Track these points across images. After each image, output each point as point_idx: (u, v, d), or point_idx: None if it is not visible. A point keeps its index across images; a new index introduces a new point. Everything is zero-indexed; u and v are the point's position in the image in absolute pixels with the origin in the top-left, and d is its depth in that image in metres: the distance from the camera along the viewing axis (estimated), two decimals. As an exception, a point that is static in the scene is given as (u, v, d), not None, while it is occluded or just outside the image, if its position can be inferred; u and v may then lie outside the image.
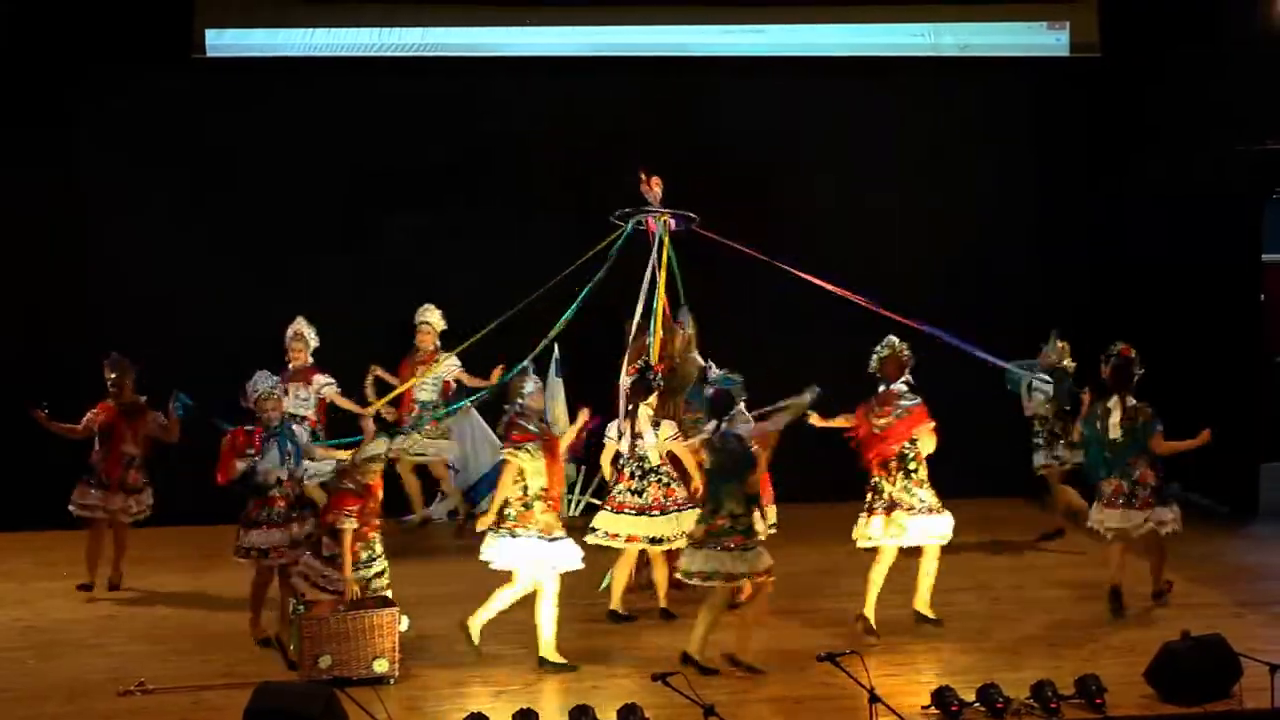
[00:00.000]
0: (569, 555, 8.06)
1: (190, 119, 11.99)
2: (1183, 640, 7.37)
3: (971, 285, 12.32)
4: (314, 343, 10.76)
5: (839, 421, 8.69)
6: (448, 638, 8.45)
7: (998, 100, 12.81)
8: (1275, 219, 12.47)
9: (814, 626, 8.71)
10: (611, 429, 8.93)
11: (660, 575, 9.06)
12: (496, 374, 10.55)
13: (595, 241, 9.80)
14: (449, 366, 11.08)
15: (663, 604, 9.05)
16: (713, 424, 7.98)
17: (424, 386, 11.14)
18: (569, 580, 9.56)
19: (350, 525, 7.95)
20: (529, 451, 7.95)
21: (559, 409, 11.69)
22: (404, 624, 7.92)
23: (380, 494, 8.28)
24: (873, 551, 8.54)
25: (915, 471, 8.48)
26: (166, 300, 11.68)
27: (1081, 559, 10.36)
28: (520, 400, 8.13)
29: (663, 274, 9.60)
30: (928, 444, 8.51)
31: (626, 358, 10.22)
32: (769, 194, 12.16)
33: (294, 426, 8.60)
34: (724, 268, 10.20)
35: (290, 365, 10.68)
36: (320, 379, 10.75)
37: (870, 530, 8.49)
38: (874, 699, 6.51)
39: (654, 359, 9.23)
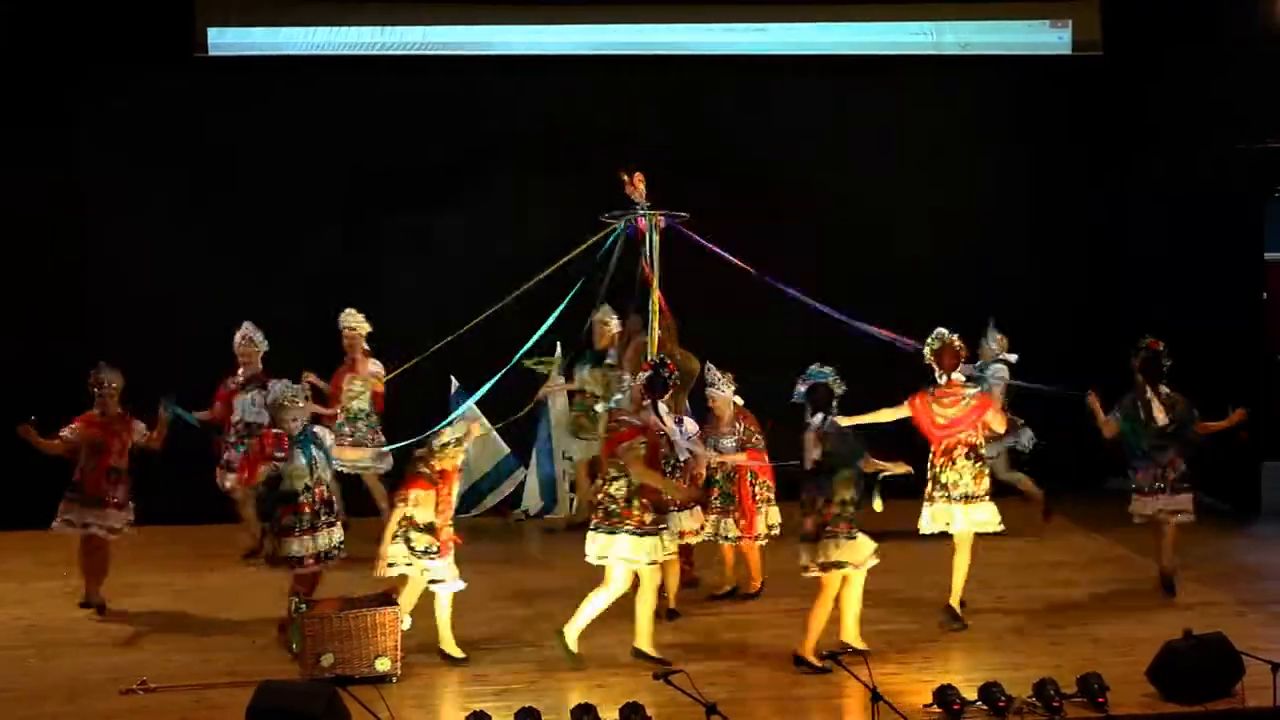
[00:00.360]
0: (658, 548, 8.01)
1: (191, 118, 12.00)
2: (1185, 639, 7.36)
3: (971, 284, 12.32)
4: (263, 347, 10.46)
5: (881, 415, 8.79)
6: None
7: (999, 99, 12.81)
8: (1277, 217, 12.46)
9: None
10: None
11: (671, 576, 9.04)
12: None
13: (598, 242, 9.81)
14: (373, 371, 10.78)
15: (671, 604, 9.03)
16: (819, 416, 7.97)
17: (354, 394, 10.79)
18: (570, 578, 9.57)
19: (400, 509, 7.92)
20: (642, 445, 7.89)
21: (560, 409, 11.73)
22: (406, 622, 7.92)
23: (455, 485, 8.25)
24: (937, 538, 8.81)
25: (982, 460, 8.80)
26: (166, 300, 11.68)
27: (1083, 558, 10.38)
28: (619, 397, 8.07)
29: (656, 272, 9.60)
30: (1000, 422, 9.01)
31: (624, 356, 10.24)
32: (769, 192, 12.17)
33: (315, 429, 8.42)
34: (716, 266, 10.17)
35: (241, 372, 10.39)
36: (275, 384, 10.44)
37: (942, 519, 8.71)
38: (876, 697, 6.52)
39: (651, 355, 9.23)
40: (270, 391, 8.47)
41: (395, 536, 8.00)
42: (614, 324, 11.00)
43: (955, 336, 8.83)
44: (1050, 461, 11.31)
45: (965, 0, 12.70)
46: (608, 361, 10.97)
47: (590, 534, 8.01)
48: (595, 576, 9.09)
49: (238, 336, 10.43)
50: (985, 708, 7.13)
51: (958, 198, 12.48)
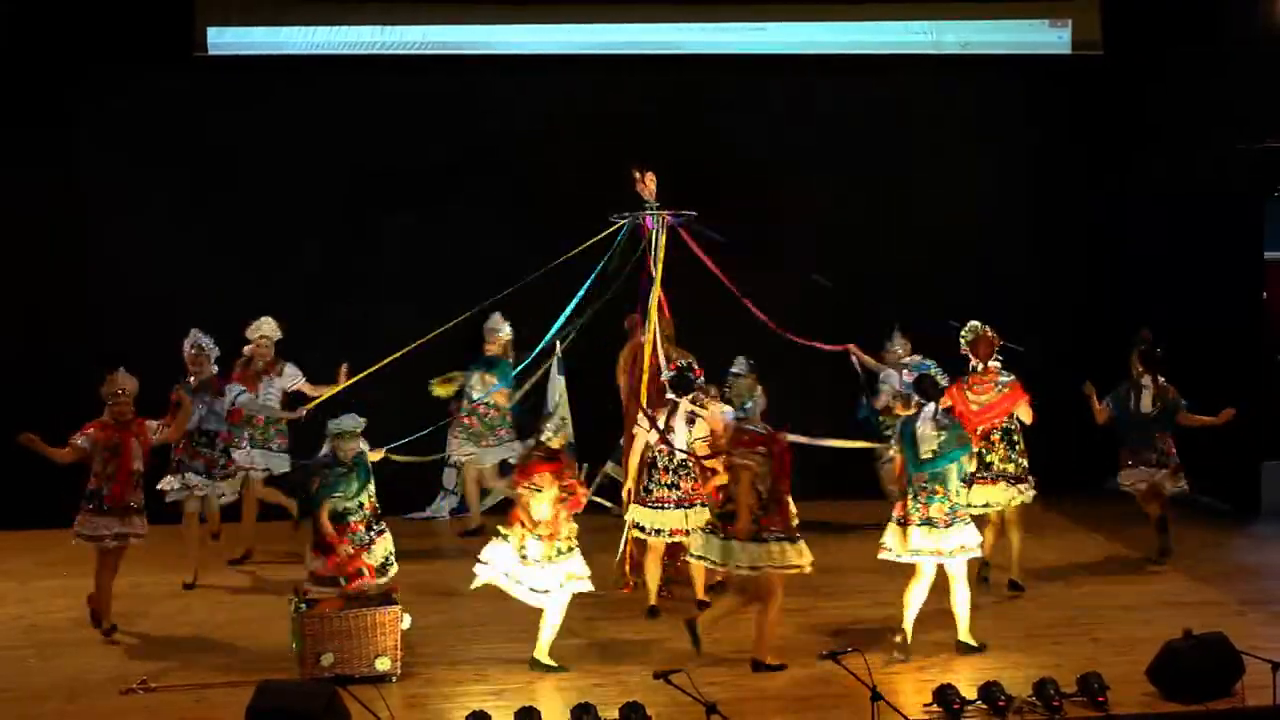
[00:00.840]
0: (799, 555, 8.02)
1: (191, 118, 12.00)
2: (1185, 638, 7.37)
3: (971, 284, 12.32)
4: (214, 352, 10.10)
5: None
6: (450, 635, 8.45)
7: (999, 98, 12.81)
8: (1276, 217, 12.45)
9: (816, 624, 8.71)
10: (643, 421, 8.94)
11: (652, 574, 9.04)
12: (342, 373, 10.23)
13: (598, 241, 9.81)
14: (289, 377, 10.61)
15: (652, 600, 9.02)
16: (930, 407, 8.11)
17: (267, 398, 10.54)
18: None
19: (525, 493, 7.84)
20: (762, 455, 7.88)
21: (561, 408, 11.69)
22: (406, 622, 7.91)
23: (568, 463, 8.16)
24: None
25: (1018, 443, 9.31)
26: (166, 300, 11.65)
27: (1083, 558, 10.37)
28: (747, 405, 8.07)
29: (659, 271, 9.59)
30: (1027, 415, 9.22)
31: (622, 355, 10.24)
32: (769, 191, 12.16)
33: (362, 449, 8.35)
34: (720, 264, 10.18)
35: (193, 380, 9.97)
36: (233, 388, 10.31)
37: (982, 497, 9.08)
38: (876, 697, 6.51)
39: (647, 355, 9.25)
40: (341, 424, 8.30)
41: (507, 538, 7.93)
42: (505, 331, 10.99)
43: (988, 328, 9.28)
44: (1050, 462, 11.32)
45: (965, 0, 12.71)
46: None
47: (732, 544, 7.90)
48: (590, 575, 9.09)
49: (186, 345, 10.04)
50: (985, 707, 7.14)
51: (958, 197, 12.47)
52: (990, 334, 9.29)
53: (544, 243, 10.26)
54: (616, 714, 6.89)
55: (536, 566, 7.85)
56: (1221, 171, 11.78)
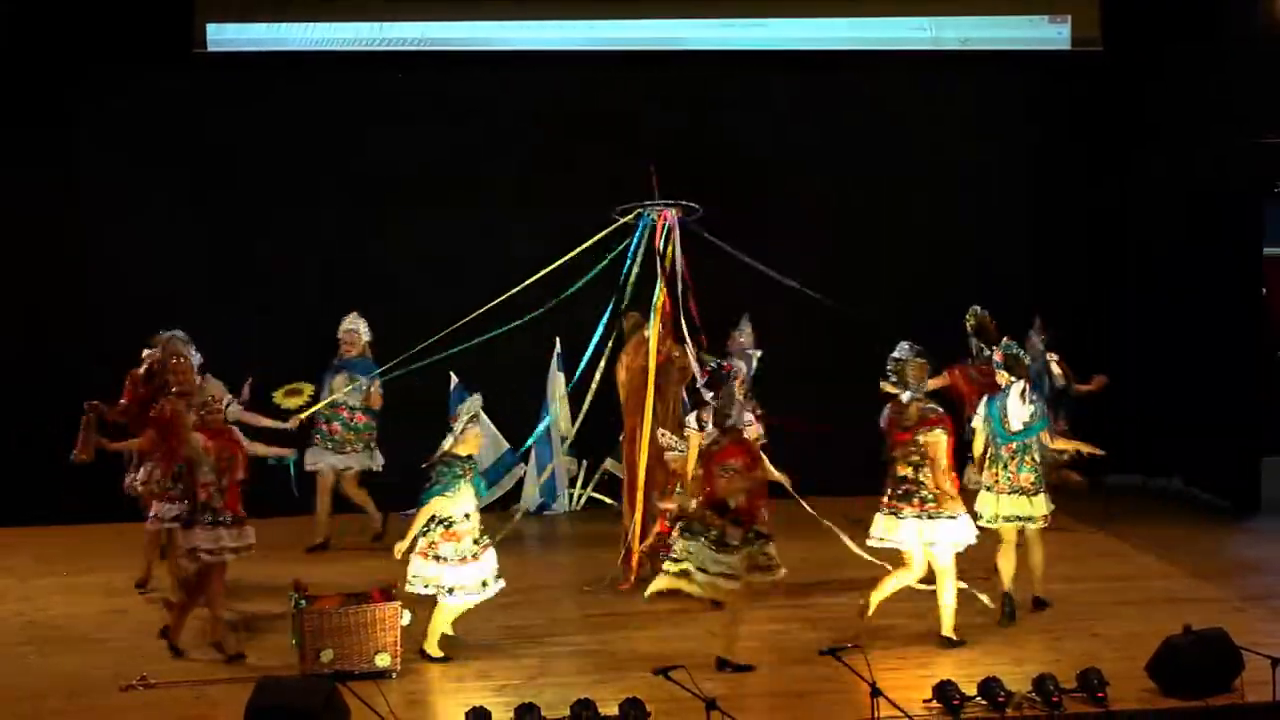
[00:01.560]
0: (964, 531, 8.10)
1: (190, 117, 12.01)
2: (1184, 634, 7.36)
3: (971, 282, 12.30)
4: (198, 359, 9.38)
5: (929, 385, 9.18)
6: (449, 632, 8.44)
7: (998, 95, 12.81)
8: (1276, 214, 12.46)
9: (816, 621, 8.70)
10: (691, 420, 8.94)
11: None
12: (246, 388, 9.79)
13: (601, 239, 9.82)
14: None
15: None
16: (1020, 384, 8.48)
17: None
18: (570, 573, 9.55)
19: (730, 483, 7.70)
20: (944, 431, 8.04)
21: (560, 404, 11.70)
22: (406, 618, 7.90)
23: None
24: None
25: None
26: (166, 300, 11.65)
27: (1082, 553, 10.37)
28: (923, 388, 8.18)
29: (663, 269, 9.59)
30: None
31: (623, 351, 10.25)
32: (769, 188, 12.17)
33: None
34: (723, 262, 10.19)
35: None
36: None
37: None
38: (876, 693, 6.51)
39: (653, 351, 9.25)
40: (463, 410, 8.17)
41: (693, 529, 7.81)
42: (364, 332, 10.61)
43: (986, 312, 9.87)
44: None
45: (964, -6, 12.74)
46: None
47: (900, 520, 8.04)
48: (590, 572, 9.10)
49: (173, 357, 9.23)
50: (985, 703, 7.13)
51: (957, 194, 12.47)
52: (991, 320, 9.76)
53: (546, 241, 10.27)
54: (616, 710, 6.89)
55: (734, 553, 7.72)
56: (1221, 168, 11.78)
